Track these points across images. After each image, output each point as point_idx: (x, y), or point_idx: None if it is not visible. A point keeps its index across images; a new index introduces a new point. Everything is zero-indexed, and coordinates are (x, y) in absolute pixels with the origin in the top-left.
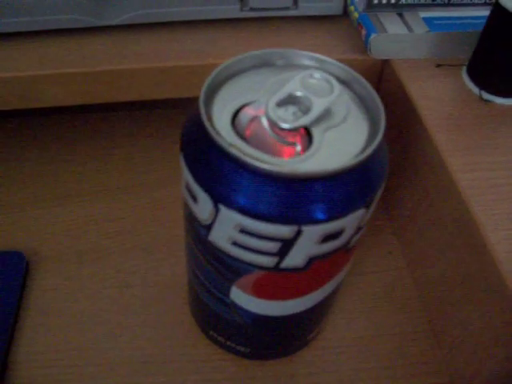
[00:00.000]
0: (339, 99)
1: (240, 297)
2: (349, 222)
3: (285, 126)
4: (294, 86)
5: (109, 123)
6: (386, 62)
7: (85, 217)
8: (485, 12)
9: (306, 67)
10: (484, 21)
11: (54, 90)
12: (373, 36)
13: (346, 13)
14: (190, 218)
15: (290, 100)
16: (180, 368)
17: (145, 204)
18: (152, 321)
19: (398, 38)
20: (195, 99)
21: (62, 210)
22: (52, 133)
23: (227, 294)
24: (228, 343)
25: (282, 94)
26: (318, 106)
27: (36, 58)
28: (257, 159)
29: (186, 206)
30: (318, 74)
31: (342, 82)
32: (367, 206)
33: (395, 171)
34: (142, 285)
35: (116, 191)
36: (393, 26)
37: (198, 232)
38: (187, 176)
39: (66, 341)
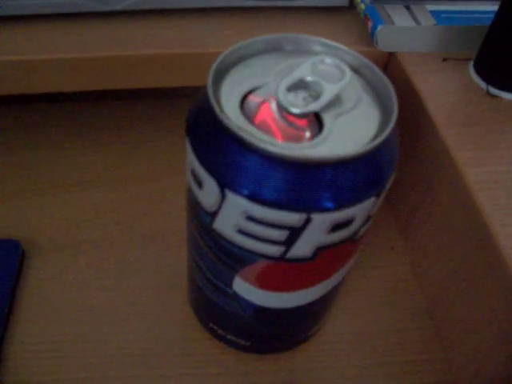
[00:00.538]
0: (350, 86)
1: (243, 288)
2: (359, 211)
3: (295, 110)
4: (305, 71)
5: (109, 112)
6: (392, 55)
7: (83, 206)
8: (493, 7)
9: (316, 53)
10: (492, 15)
11: (55, 75)
12: (379, 28)
13: (352, 4)
14: (194, 205)
15: (300, 85)
16: (178, 361)
17: (144, 194)
18: (150, 313)
19: (404, 30)
20: (197, 88)
21: (60, 199)
22: (51, 120)
23: (230, 285)
24: (228, 336)
25: (292, 79)
26: (328, 91)
27: (38, 43)
28: (266, 143)
29: (190, 193)
30: (329, 60)
31: (353, 68)
32: (378, 195)
33: (400, 165)
34: (141, 276)
35: (115, 181)
36: (400, 18)
37: (201, 220)
38: (193, 160)
39: (62, 332)
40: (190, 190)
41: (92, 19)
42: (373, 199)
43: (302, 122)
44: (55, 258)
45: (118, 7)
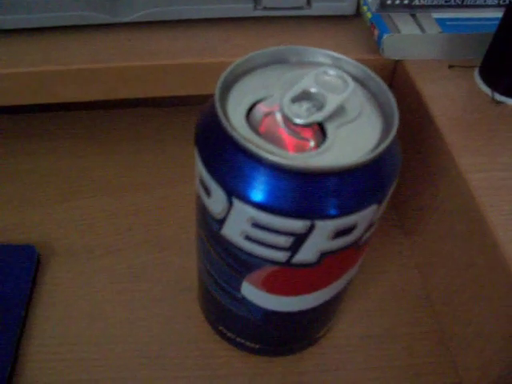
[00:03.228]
0: (353, 96)
1: (251, 292)
2: (361, 218)
3: (299, 121)
4: (309, 82)
5: (120, 120)
6: (398, 63)
7: (96, 212)
8: (498, 13)
9: (320, 64)
10: (497, 22)
11: (65, 85)
12: (385, 36)
13: (358, 13)
14: (203, 212)
15: (304, 96)
16: (189, 363)
17: (156, 200)
18: (162, 316)
19: (410, 38)
20: (207, 97)
21: (73, 206)
22: (64, 129)
23: (238, 289)
24: (237, 339)
25: (296, 90)
26: (331, 102)
27: (48, 54)
28: (271, 153)
29: (199, 200)
30: (332, 71)
31: (356, 79)
32: (379, 202)
33: (406, 171)
34: (152, 280)
35: (127, 187)
36: (406, 26)
37: (210, 226)
38: (201, 170)
39: (76, 334)
40: (198, 198)
41: (101, 31)
42: (375, 207)
43: (306, 132)
44: (69, 262)
45: (127, 19)
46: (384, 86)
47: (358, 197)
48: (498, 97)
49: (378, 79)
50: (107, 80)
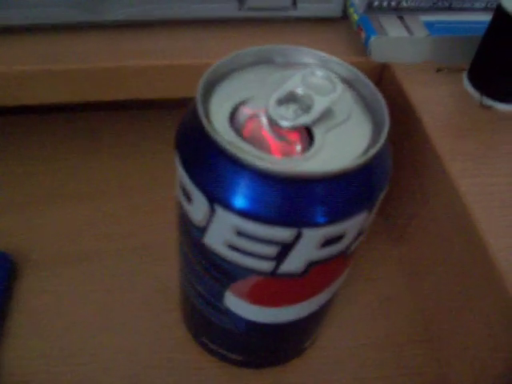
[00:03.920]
0: (341, 98)
1: (234, 303)
2: (350, 226)
3: (285, 124)
4: (296, 83)
5: (103, 123)
6: (385, 66)
7: (75, 219)
8: (486, 17)
9: (307, 65)
10: (485, 25)
11: (45, 86)
12: (373, 38)
13: (345, 15)
14: (184, 220)
15: (290, 98)
16: (170, 375)
17: (138, 206)
18: (143, 326)
19: (398, 41)
20: (191, 99)
21: (52, 212)
22: (44, 132)
23: (221, 300)
24: (220, 350)
25: (282, 92)
26: (319, 104)
27: (28, 54)
28: (256, 158)
29: (180, 207)
30: (320, 72)
31: (345, 80)
32: (369, 209)
33: (394, 176)
34: (133, 289)
35: (109, 193)
36: (393, 29)
37: (191, 234)
38: (182, 175)
39: (54, 346)
40: (179, 204)
41: (83, 30)
42: (364, 214)
43: (292, 136)
44: (47, 270)
45: (110, 18)
46: (374, 89)
47: (347, 204)
48: (487, 101)
49: (368, 81)
50: (88, 81)
